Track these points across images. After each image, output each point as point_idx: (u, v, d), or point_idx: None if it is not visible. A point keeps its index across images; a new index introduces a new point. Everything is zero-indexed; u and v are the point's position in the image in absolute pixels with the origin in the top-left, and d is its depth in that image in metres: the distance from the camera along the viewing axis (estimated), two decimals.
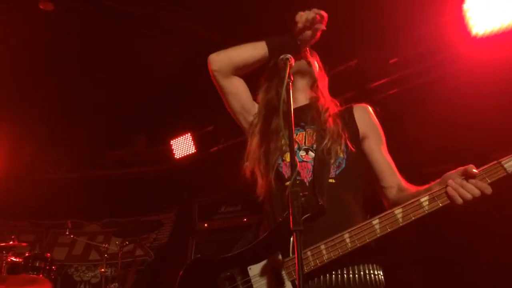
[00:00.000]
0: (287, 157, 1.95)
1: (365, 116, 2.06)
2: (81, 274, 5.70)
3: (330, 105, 2.07)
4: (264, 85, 2.15)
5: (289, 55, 1.88)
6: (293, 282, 1.69)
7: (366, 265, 1.79)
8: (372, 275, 1.79)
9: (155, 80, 5.22)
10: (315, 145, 1.95)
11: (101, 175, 6.19)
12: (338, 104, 2.13)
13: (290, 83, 1.77)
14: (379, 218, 1.71)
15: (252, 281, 1.76)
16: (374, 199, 1.98)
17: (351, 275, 1.75)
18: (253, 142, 2.05)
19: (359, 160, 1.98)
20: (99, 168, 6.25)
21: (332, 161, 1.89)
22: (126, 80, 5.18)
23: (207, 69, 2.08)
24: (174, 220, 6.02)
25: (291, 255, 1.70)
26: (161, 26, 4.55)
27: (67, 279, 5.44)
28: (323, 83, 2.16)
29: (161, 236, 5.93)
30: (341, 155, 1.92)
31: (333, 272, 1.75)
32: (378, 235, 1.70)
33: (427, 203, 1.69)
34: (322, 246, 1.71)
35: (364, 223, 1.72)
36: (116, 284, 4.23)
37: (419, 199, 1.71)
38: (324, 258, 1.70)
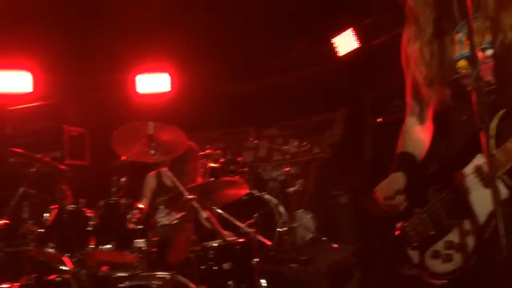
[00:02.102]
0: (462, 64, 1.79)
1: None
2: (268, 173, 6.37)
3: None
4: None
5: None
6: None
7: None
8: None
9: None
10: (489, 39, 1.72)
11: (272, 82, 6.55)
12: None
13: None
14: None
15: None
16: None
17: None
18: (416, 51, 1.88)
19: None
20: (269, 76, 6.60)
21: None
22: None
23: None
24: (345, 117, 6.15)
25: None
26: None
27: (257, 178, 6.13)
28: None
29: (335, 133, 6.16)
30: None
31: None
32: None
33: None
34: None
35: None
36: (301, 180, 4.66)
37: None
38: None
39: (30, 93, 5.69)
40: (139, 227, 3.28)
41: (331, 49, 5.93)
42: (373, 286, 3.86)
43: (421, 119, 2.00)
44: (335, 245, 4.93)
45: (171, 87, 6.43)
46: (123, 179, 3.68)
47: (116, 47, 5.84)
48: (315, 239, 4.94)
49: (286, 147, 5.13)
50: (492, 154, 1.58)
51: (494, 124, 1.61)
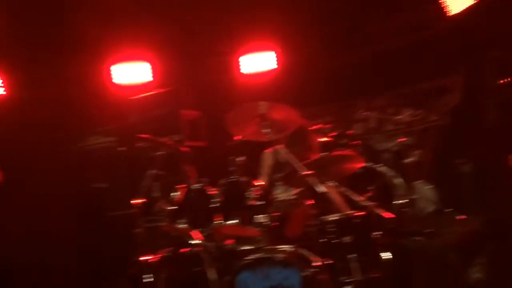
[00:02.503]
0: None
1: None
2: (381, 144, 6.16)
3: None
4: None
5: None
6: None
7: None
8: None
9: None
10: None
11: (378, 49, 6.28)
12: None
13: None
14: None
15: None
16: None
17: None
18: None
19: None
20: (374, 43, 6.34)
21: None
22: None
23: None
24: (463, 80, 5.73)
25: None
26: None
27: (369, 150, 5.96)
28: None
29: (452, 98, 5.77)
30: None
31: None
32: None
33: None
34: None
35: None
36: (419, 151, 4.46)
37: None
38: None
39: (149, 82, 6.11)
40: (260, 203, 3.43)
41: (440, 9, 5.54)
42: (508, 258, 3.62)
43: None
44: (460, 217, 4.68)
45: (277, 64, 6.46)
46: (240, 158, 3.83)
47: (219, 29, 6.01)
48: (438, 211, 4.73)
49: (399, 117, 4.92)
50: None
51: None
